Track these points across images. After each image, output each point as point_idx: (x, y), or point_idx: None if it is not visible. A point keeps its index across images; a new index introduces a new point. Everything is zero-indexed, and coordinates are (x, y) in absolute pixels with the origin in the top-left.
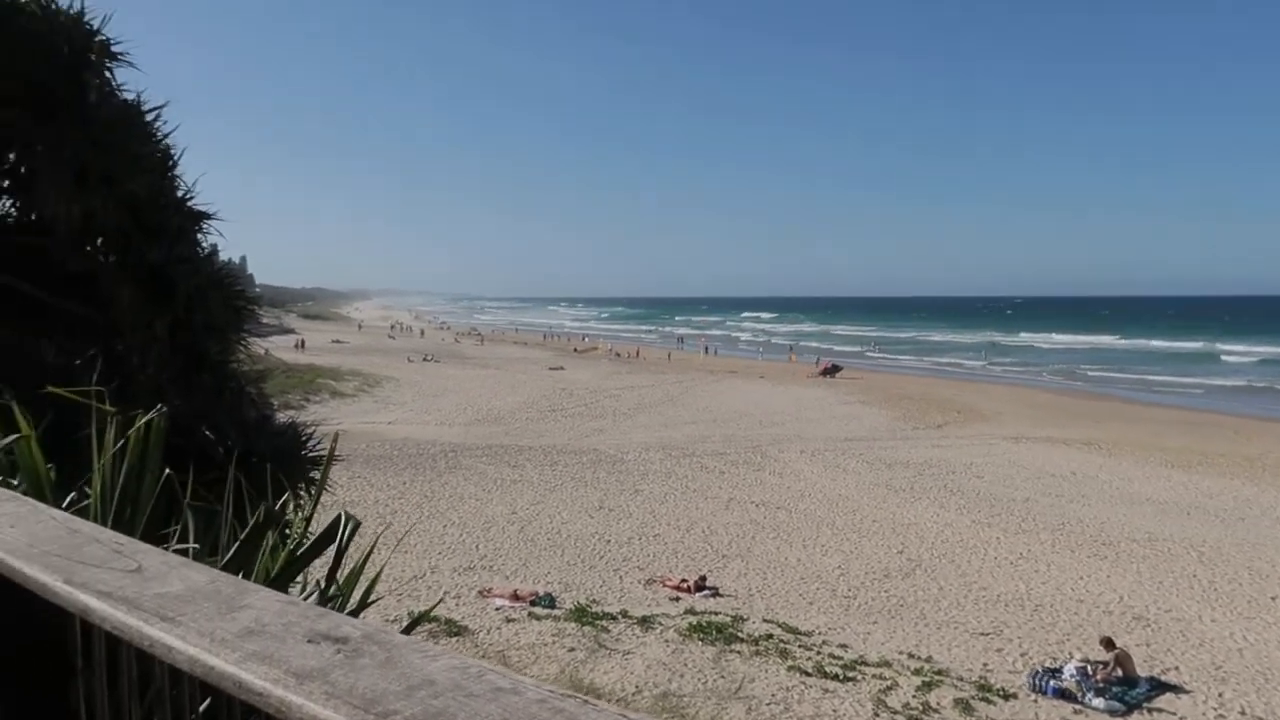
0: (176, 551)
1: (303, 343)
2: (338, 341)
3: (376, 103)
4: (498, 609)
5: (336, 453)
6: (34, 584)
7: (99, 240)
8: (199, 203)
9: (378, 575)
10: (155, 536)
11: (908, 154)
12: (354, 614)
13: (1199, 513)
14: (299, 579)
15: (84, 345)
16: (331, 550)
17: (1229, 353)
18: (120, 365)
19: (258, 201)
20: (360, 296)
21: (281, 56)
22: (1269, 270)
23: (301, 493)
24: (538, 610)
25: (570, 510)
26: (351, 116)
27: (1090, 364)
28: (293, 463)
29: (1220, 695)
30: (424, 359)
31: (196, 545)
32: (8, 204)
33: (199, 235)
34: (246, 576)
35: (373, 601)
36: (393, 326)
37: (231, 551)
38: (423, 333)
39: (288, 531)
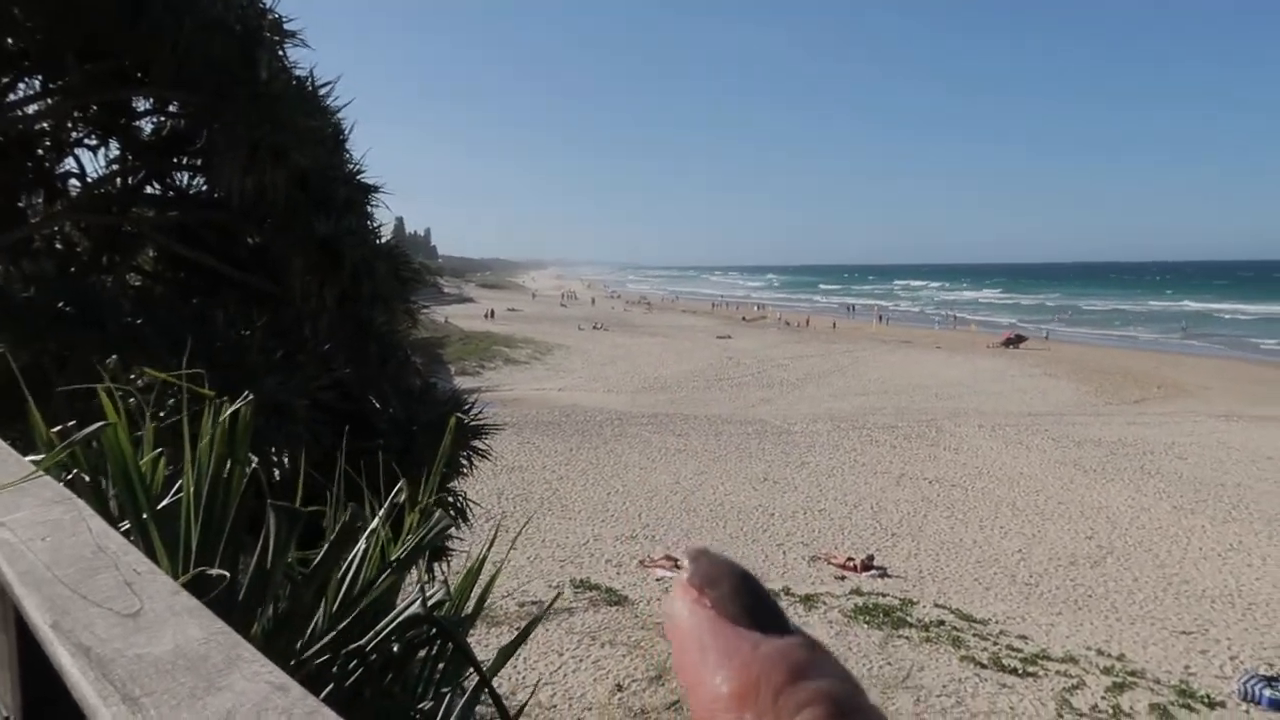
0: (260, 554)
1: (492, 312)
2: (512, 310)
3: (557, 72)
4: (659, 579)
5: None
6: (30, 622)
7: (271, 213)
8: (370, 176)
9: (493, 578)
10: (239, 537)
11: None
12: (465, 622)
13: None
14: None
15: (256, 314)
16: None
17: None
18: (289, 334)
19: (443, 175)
20: (535, 266)
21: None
22: None
23: (464, 463)
24: None
25: (734, 481)
26: (533, 88)
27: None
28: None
29: None
30: (594, 327)
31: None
32: (198, 181)
33: (369, 208)
34: (321, 591)
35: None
36: (564, 295)
37: (316, 561)
38: (593, 301)
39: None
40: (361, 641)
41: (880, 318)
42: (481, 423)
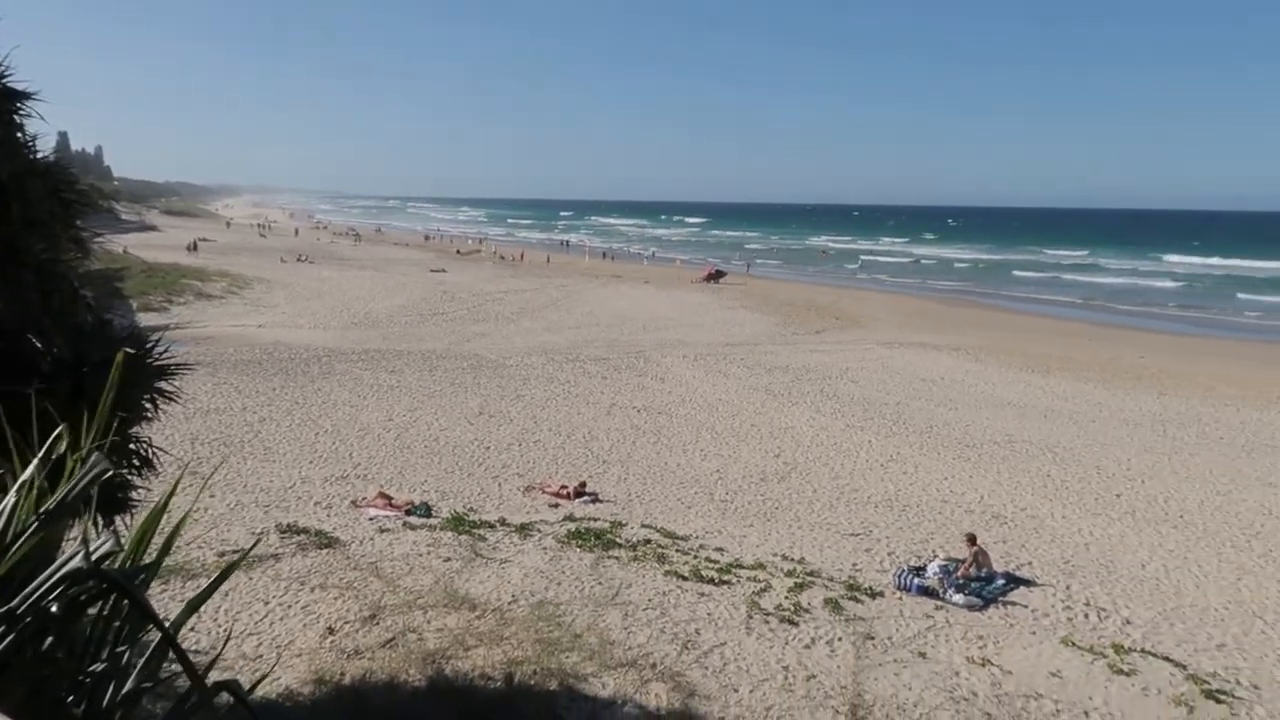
0: None
1: (195, 244)
2: (205, 240)
3: None
4: (371, 519)
5: (198, 359)
6: None
7: None
8: (19, 80)
9: (178, 527)
10: None
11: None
12: (142, 574)
13: (1055, 415)
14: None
15: None
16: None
17: (1101, 266)
18: None
19: (119, 88)
20: (229, 192)
21: None
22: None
23: (148, 407)
24: (413, 520)
25: (449, 417)
26: None
27: (958, 276)
28: (134, 373)
29: (1068, 588)
30: (298, 259)
31: None
32: None
33: (17, 118)
34: None
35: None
36: (263, 224)
37: None
38: (296, 232)
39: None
40: (13, 604)
41: (605, 254)
42: (167, 362)
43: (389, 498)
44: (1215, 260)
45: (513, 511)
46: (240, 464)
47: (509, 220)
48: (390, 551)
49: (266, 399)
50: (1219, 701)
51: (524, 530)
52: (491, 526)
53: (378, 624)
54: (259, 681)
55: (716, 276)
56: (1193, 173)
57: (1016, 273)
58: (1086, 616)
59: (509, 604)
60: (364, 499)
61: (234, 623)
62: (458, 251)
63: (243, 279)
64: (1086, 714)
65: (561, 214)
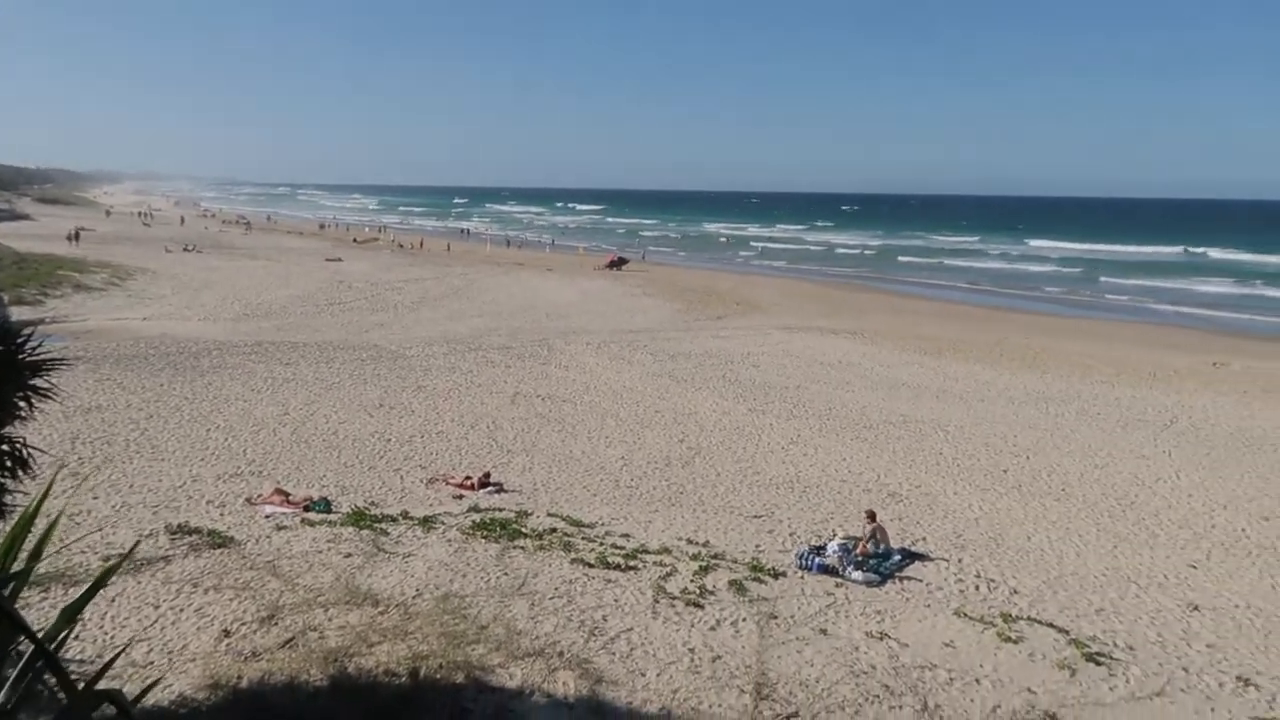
0: None
1: (77, 234)
2: (84, 230)
3: None
4: (268, 516)
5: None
6: None
7: None
8: None
9: (49, 530)
10: None
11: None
12: (12, 582)
13: (946, 396)
14: None
15: None
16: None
17: (985, 251)
18: None
19: None
20: (109, 179)
21: None
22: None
23: (21, 405)
24: (312, 516)
25: (348, 409)
26: None
27: (854, 261)
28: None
29: (960, 560)
30: (184, 249)
31: None
32: None
33: None
34: None
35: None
36: (146, 213)
37: None
38: (183, 220)
39: None
40: None
41: (509, 242)
42: (42, 357)
43: (286, 494)
44: (1084, 245)
45: (416, 504)
46: (126, 464)
47: (400, 208)
48: (288, 549)
49: (153, 395)
50: (1098, 663)
51: (427, 523)
52: (394, 520)
53: (276, 624)
54: (146, 690)
55: (619, 263)
56: (1068, 161)
57: (905, 258)
58: (977, 588)
59: (413, 598)
60: (259, 496)
61: (121, 630)
62: (354, 240)
63: (125, 270)
64: (978, 681)
65: (456, 200)
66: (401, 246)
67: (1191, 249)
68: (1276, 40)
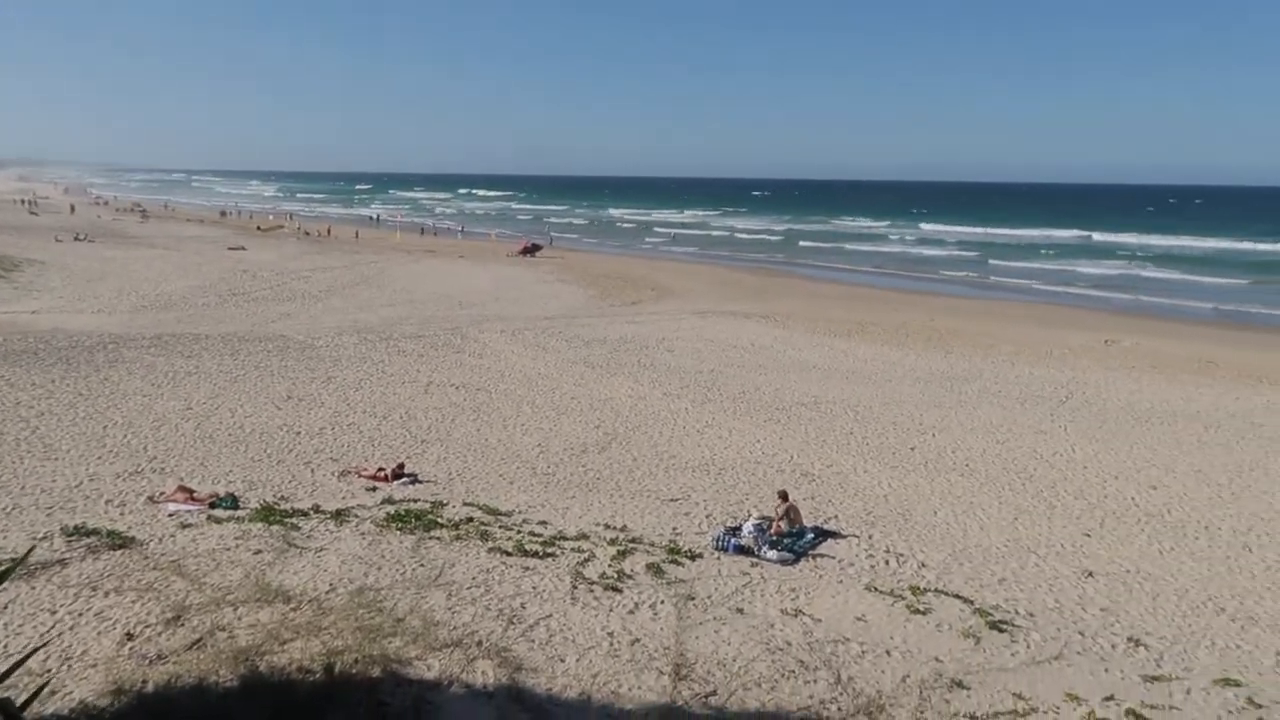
0: None
1: None
2: None
3: None
4: (171, 515)
5: None
6: None
7: None
8: None
9: None
10: None
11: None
12: None
13: (856, 377)
14: None
15: None
16: None
17: (886, 233)
18: None
19: None
20: None
21: None
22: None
23: None
24: (218, 513)
25: (254, 402)
26: None
27: (766, 247)
28: None
29: (870, 537)
30: (75, 238)
31: None
32: None
33: None
34: None
35: None
36: (31, 201)
37: None
38: (73, 208)
39: None
40: None
41: (423, 230)
42: None
43: (190, 491)
44: (980, 229)
45: (327, 498)
46: (16, 464)
47: (299, 195)
48: (194, 548)
49: (45, 391)
50: (1001, 631)
51: (340, 516)
52: (305, 515)
53: (183, 625)
54: (35, 695)
55: (532, 250)
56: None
57: (808, 243)
58: (887, 563)
59: (326, 593)
60: (162, 494)
61: (16, 637)
62: (258, 228)
63: (10, 260)
64: (888, 653)
65: (358, 187)
66: (308, 234)
67: (1084, 232)
68: (1174, 31)
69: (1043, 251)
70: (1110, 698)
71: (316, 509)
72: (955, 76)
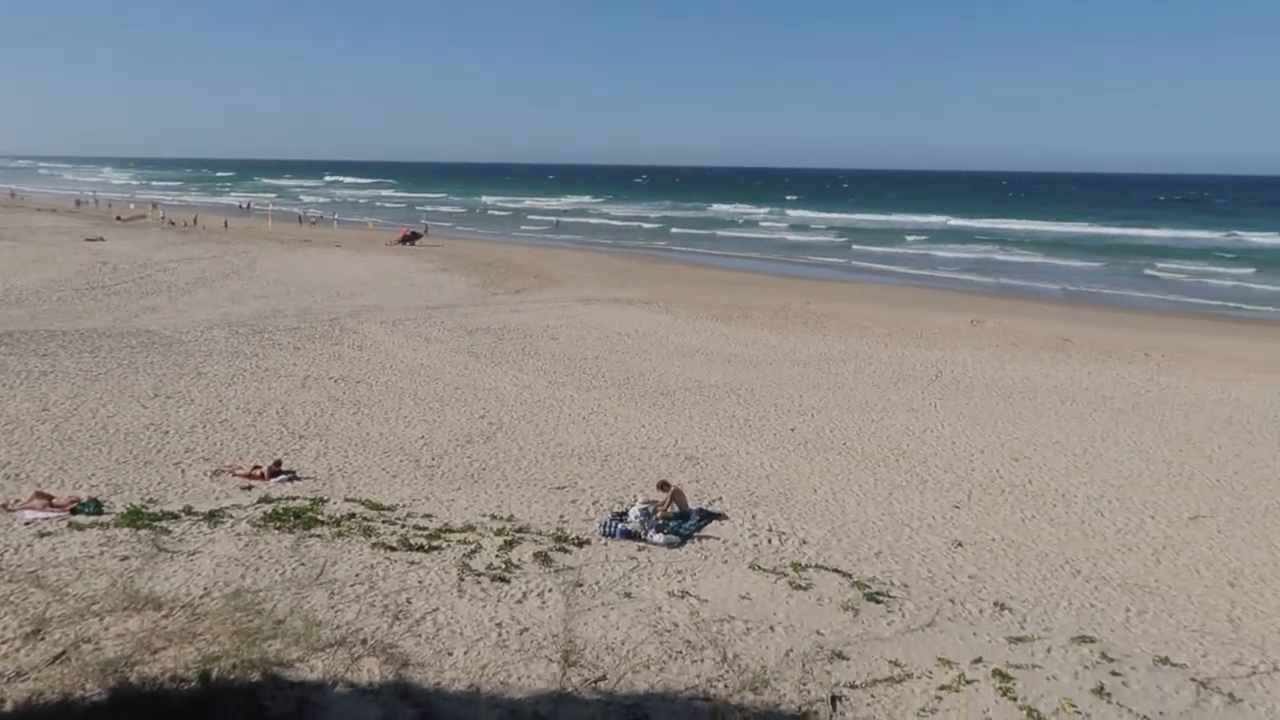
0: None
1: None
2: None
3: None
4: (27, 523)
5: None
6: None
7: None
8: None
9: None
10: None
11: None
12: None
13: (737, 360)
14: None
15: None
16: None
17: (765, 218)
18: None
19: None
20: None
21: None
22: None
23: None
24: (80, 519)
25: (118, 401)
26: None
27: (648, 234)
28: None
29: (754, 517)
30: None
31: None
32: None
33: None
34: None
35: None
36: None
37: None
38: None
39: None
40: None
41: (301, 219)
42: None
43: (48, 497)
44: (847, 215)
45: (200, 499)
46: None
47: (156, 183)
48: (54, 557)
49: None
50: (878, 602)
51: (214, 517)
52: (175, 517)
53: (44, 639)
54: None
55: (412, 239)
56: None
57: (680, 229)
58: (770, 541)
59: (201, 597)
60: (16, 502)
61: None
62: (118, 218)
63: None
64: (772, 629)
65: (219, 174)
66: (173, 224)
67: (943, 217)
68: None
69: (907, 238)
70: (979, 660)
71: (188, 511)
72: (819, 64)
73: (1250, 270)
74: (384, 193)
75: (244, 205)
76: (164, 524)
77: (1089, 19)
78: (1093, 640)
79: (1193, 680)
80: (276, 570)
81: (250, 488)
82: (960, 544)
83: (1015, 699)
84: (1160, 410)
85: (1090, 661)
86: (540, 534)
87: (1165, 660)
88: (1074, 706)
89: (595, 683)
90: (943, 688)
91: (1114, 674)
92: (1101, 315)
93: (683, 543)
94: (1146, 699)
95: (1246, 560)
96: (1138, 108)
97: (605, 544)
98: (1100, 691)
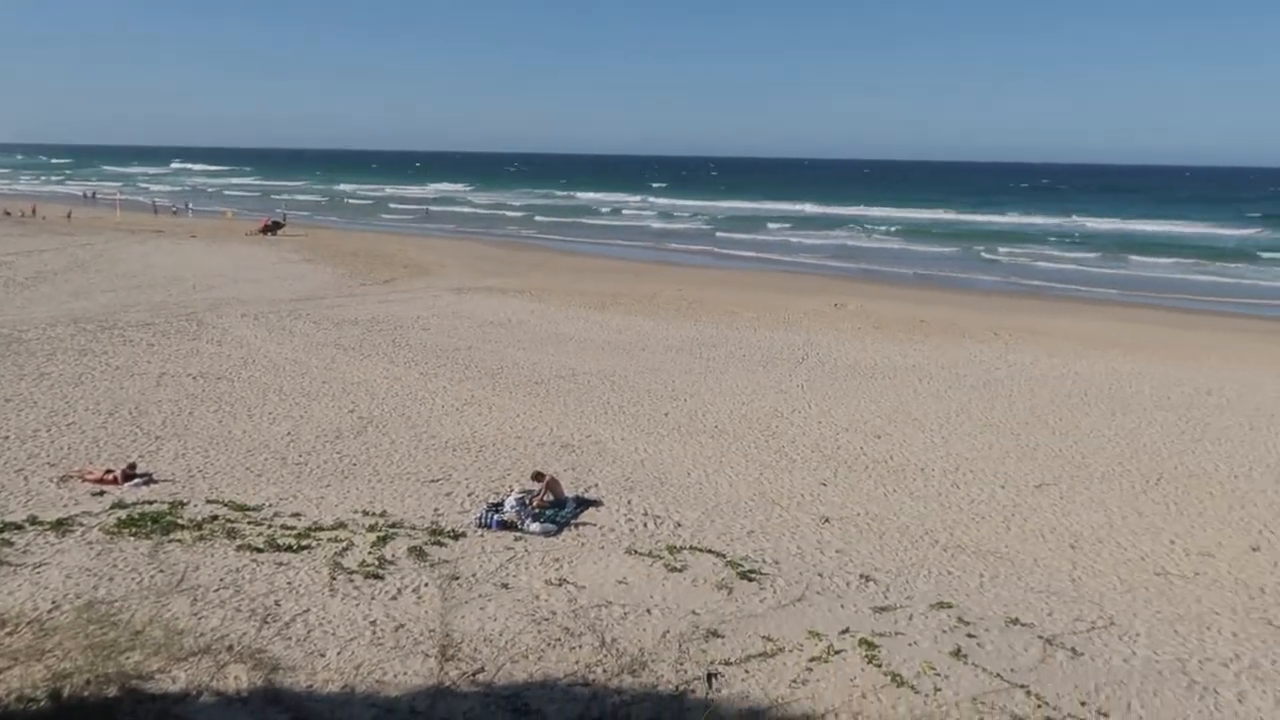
0: None
1: None
2: None
3: None
4: None
5: None
6: None
7: None
8: None
9: None
10: None
11: None
12: None
13: (611, 347)
14: None
15: None
16: None
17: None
18: None
19: None
20: None
21: None
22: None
23: None
24: None
25: None
26: None
27: (519, 222)
28: None
29: (629, 502)
30: None
31: None
32: None
33: None
34: None
35: None
36: None
37: None
38: None
39: None
40: None
41: (156, 209)
42: None
43: None
44: (713, 202)
45: (46, 507)
46: None
47: (18, 166)
48: None
49: None
50: (750, 580)
51: (61, 526)
52: (19, 528)
53: None
54: None
55: (273, 228)
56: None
57: (544, 218)
58: (645, 525)
59: (49, 611)
60: None
61: None
62: None
63: None
64: (649, 611)
65: (55, 161)
66: (8, 214)
67: (813, 206)
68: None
69: (770, 225)
70: (846, 630)
71: (33, 520)
72: (686, 57)
73: (1093, 255)
74: (238, 180)
75: (89, 194)
76: (5, 536)
77: (944, 14)
78: (950, 606)
79: (1040, 638)
80: (133, 579)
81: (102, 493)
82: (828, 520)
83: (880, 665)
84: (1009, 386)
85: (948, 626)
86: (414, 528)
87: (1015, 620)
88: (933, 668)
89: (473, 675)
90: (813, 659)
91: (969, 636)
92: (954, 297)
93: (559, 531)
94: (998, 657)
95: (1085, 524)
96: (992, 99)
97: (481, 536)
98: (957, 653)
